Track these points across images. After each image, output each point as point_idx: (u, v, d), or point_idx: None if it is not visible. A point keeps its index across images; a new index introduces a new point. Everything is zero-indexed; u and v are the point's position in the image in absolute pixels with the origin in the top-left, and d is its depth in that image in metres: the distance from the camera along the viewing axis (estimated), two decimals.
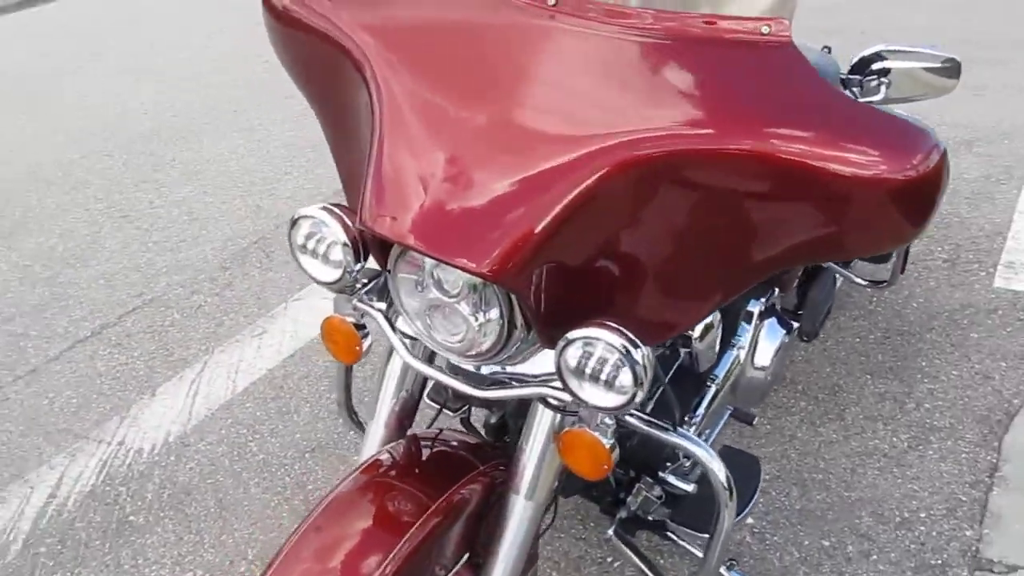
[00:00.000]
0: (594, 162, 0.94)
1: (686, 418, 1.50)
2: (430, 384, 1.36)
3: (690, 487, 1.44)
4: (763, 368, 1.60)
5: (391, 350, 1.30)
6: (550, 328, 1.04)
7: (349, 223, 1.14)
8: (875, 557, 1.78)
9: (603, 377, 1.00)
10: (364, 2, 1.17)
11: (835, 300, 2.27)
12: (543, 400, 1.15)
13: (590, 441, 1.07)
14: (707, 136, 0.92)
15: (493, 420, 1.44)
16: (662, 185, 0.96)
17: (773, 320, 1.61)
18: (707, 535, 1.54)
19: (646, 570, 1.54)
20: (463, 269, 0.96)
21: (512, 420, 1.40)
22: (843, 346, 2.41)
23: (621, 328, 0.97)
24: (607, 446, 1.07)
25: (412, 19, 1.14)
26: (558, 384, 1.06)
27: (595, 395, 1.02)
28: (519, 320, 1.06)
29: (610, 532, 1.55)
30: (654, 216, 0.99)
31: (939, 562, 1.76)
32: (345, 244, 1.14)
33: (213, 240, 3.34)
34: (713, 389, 1.55)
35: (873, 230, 0.93)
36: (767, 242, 0.98)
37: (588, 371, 1.00)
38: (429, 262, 1.07)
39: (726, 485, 1.20)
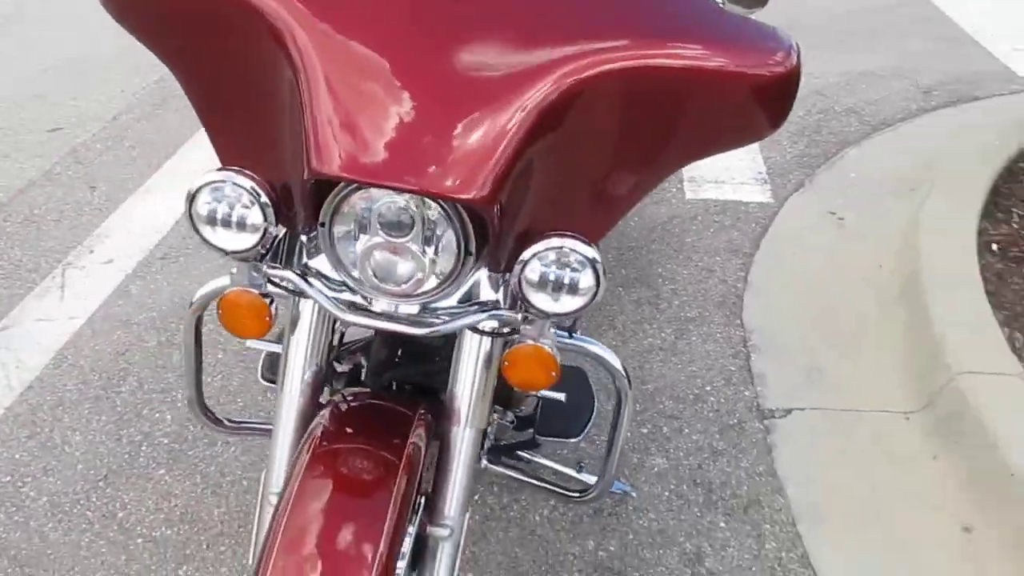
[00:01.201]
0: (538, 82, 0.98)
1: None
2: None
3: (561, 396, 1.55)
4: None
5: (293, 320, 1.24)
6: (504, 249, 1.07)
7: (261, 181, 1.06)
8: (687, 431, 2.06)
9: (566, 282, 1.06)
10: None
11: None
12: (474, 328, 1.18)
13: (540, 352, 1.12)
14: (624, 52, 1.01)
15: (384, 381, 1.45)
16: (593, 97, 1.04)
17: None
18: (574, 439, 1.68)
19: (533, 481, 1.64)
20: (447, 197, 0.96)
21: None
22: None
23: (576, 235, 1.05)
24: (554, 353, 1.14)
25: None
26: (501, 307, 1.11)
27: (559, 303, 1.08)
28: (473, 247, 1.08)
29: (484, 463, 1.62)
30: (585, 125, 1.06)
31: (735, 421, 2.08)
32: (266, 204, 1.06)
33: None
34: None
35: (749, 124, 1.09)
36: (672, 140, 1.11)
37: (552, 280, 1.05)
38: (380, 202, 1.04)
39: (623, 372, 1.33)
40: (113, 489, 1.93)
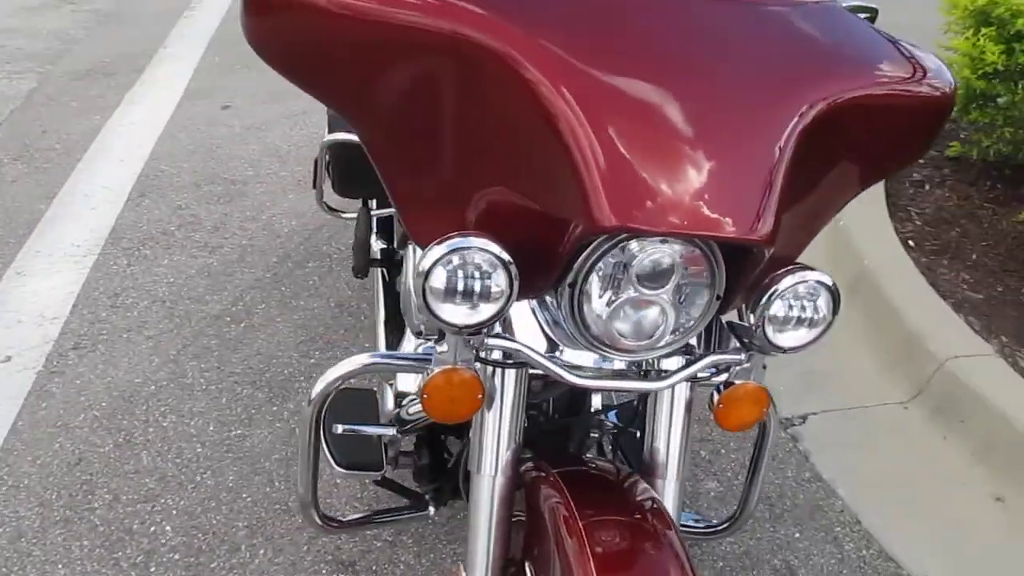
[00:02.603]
0: (786, 117, 0.94)
1: None
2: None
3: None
4: None
5: (490, 396, 1.12)
6: (742, 287, 1.03)
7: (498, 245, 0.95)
8: (723, 451, 2.08)
9: (808, 316, 1.01)
10: None
11: None
12: (693, 377, 1.12)
13: (758, 392, 1.08)
14: (847, 83, 1.00)
15: (424, 461, 1.47)
16: (827, 128, 1.02)
17: None
18: None
19: None
20: (730, 240, 0.90)
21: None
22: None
23: (811, 267, 1.01)
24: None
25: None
26: (720, 348, 1.08)
27: (795, 338, 1.04)
28: (722, 291, 1.03)
29: None
30: (818, 154, 1.05)
31: None
32: (511, 268, 0.94)
33: None
34: None
35: (919, 147, 1.13)
36: (863, 163, 1.13)
37: (797, 316, 1.00)
38: (645, 252, 0.96)
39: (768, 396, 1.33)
40: None
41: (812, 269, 0.98)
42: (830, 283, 0.98)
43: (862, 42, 1.02)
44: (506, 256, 0.91)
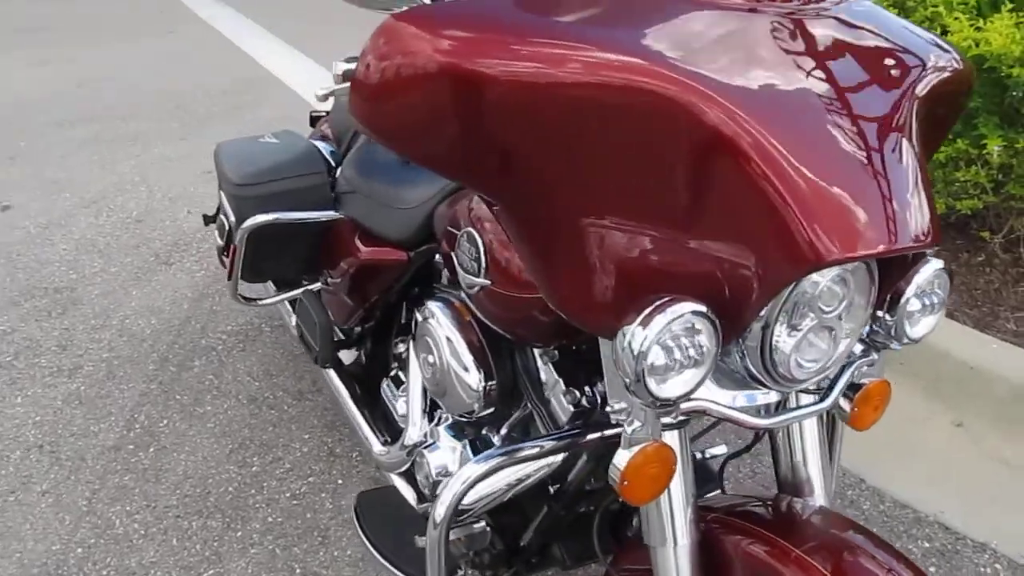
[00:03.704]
0: (905, 122, 0.96)
1: None
2: None
3: None
4: None
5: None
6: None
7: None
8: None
9: (935, 303, 1.01)
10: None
11: None
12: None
13: (882, 385, 1.06)
14: (919, 77, 1.02)
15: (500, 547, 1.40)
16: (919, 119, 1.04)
17: None
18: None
19: None
20: (916, 249, 0.87)
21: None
22: None
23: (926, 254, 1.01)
24: None
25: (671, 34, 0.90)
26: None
27: (925, 325, 1.02)
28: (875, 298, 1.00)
29: None
30: None
31: None
32: (716, 327, 0.86)
33: None
34: None
35: (948, 127, 1.16)
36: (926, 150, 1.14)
37: (928, 305, 1.00)
38: (828, 279, 0.91)
39: None
40: None
41: (931, 258, 0.97)
42: (945, 267, 0.98)
43: (908, 34, 1.02)
44: (713, 316, 0.84)
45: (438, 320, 1.38)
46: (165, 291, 2.85)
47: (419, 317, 1.44)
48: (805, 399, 1.05)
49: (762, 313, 0.87)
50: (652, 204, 0.86)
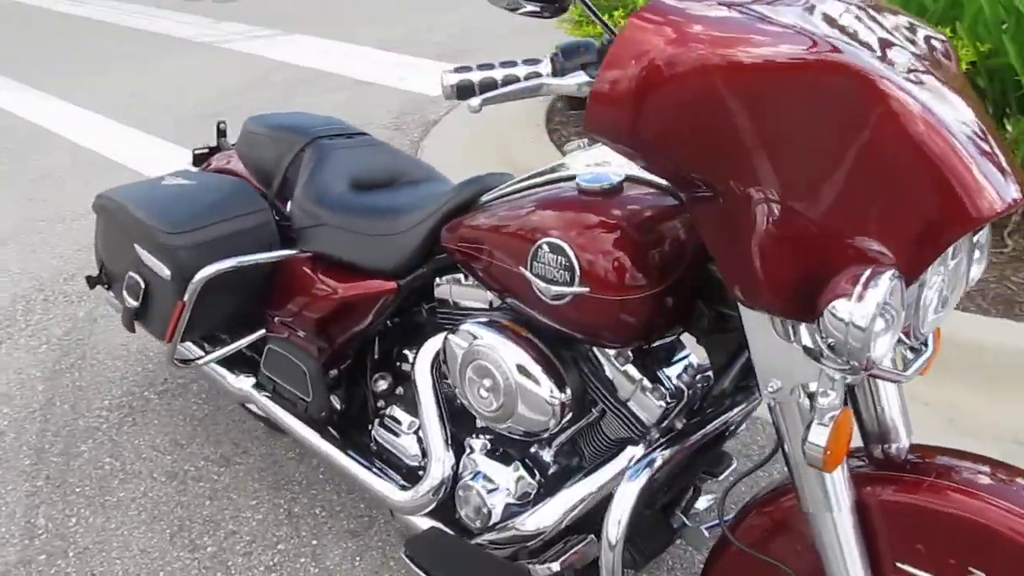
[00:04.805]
0: (967, 85, 1.09)
1: None
2: None
3: None
4: None
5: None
6: None
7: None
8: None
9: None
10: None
11: None
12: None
13: (938, 331, 1.15)
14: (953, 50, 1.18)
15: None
16: None
17: None
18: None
19: None
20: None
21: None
22: None
23: None
24: None
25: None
26: None
27: (977, 271, 1.15)
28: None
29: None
30: None
31: None
32: (902, 286, 0.92)
33: None
34: None
35: None
36: None
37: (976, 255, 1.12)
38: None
39: None
40: None
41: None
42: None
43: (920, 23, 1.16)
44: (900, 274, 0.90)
45: (491, 343, 1.32)
46: (6, 374, 2.45)
47: (455, 346, 1.36)
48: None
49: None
50: (844, 184, 0.90)
